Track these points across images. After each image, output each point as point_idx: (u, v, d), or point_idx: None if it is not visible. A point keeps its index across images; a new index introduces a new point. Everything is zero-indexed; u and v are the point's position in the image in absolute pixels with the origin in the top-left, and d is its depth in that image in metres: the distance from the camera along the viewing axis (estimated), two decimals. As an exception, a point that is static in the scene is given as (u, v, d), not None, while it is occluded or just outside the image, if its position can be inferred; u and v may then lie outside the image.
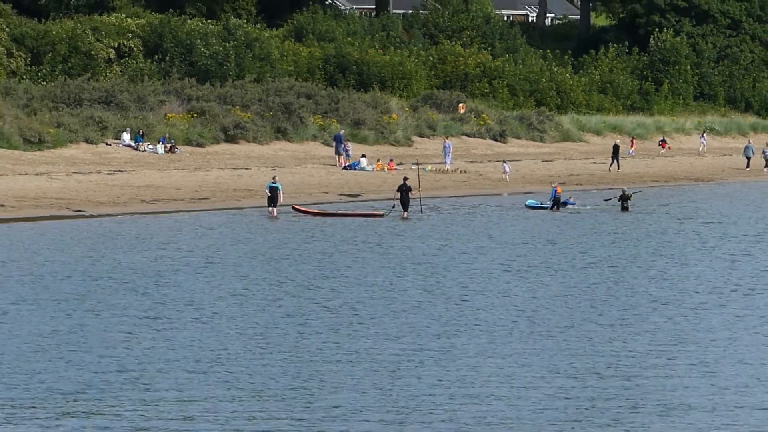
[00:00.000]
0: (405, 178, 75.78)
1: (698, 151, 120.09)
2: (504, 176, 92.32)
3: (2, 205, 69.13)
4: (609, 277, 52.28)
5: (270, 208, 72.87)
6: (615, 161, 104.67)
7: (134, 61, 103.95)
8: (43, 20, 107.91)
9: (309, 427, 18.83)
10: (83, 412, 21.17)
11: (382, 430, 20.41)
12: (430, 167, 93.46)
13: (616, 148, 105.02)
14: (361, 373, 27.49)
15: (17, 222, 67.09)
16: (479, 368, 29.67)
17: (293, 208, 74.12)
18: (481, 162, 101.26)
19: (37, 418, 20.08)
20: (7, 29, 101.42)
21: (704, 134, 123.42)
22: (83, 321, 37.13)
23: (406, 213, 73.07)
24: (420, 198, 74.21)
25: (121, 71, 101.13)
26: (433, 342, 35.08)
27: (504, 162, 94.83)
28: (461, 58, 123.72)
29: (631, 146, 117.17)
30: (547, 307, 41.19)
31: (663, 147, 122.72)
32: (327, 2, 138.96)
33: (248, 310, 42.04)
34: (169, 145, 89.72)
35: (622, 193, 79.54)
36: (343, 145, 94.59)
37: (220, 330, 37.47)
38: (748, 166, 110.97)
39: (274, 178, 76.19)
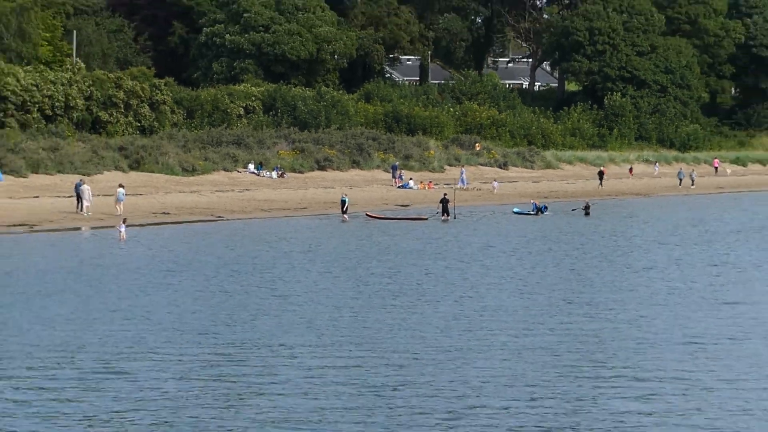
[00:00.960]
0: (445, 194, 76.51)
1: (653, 174, 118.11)
2: (493, 190, 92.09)
3: (167, 213, 70.36)
4: (584, 251, 55.75)
5: (343, 215, 73.56)
6: (600, 181, 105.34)
7: (256, 116, 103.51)
8: (195, 88, 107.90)
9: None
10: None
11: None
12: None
13: (601, 173, 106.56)
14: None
15: (179, 224, 68.10)
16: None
17: (366, 215, 75.20)
18: (490, 183, 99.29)
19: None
20: (170, 95, 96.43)
21: (657, 163, 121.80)
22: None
23: (445, 216, 74.14)
24: (454, 206, 75.32)
25: (247, 123, 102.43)
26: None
27: (494, 181, 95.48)
28: (477, 113, 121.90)
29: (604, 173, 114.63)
30: (543, 270, 45.51)
31: (630, 174, 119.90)
32: (386, 75, 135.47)
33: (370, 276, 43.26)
34: (280, 172, 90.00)
35: (586, 204, 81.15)
36: (397, 172, 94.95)
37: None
38: (680, 184, 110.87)
39: (344, 194, 76.57)
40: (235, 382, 19.68)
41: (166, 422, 16.24)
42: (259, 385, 19.36)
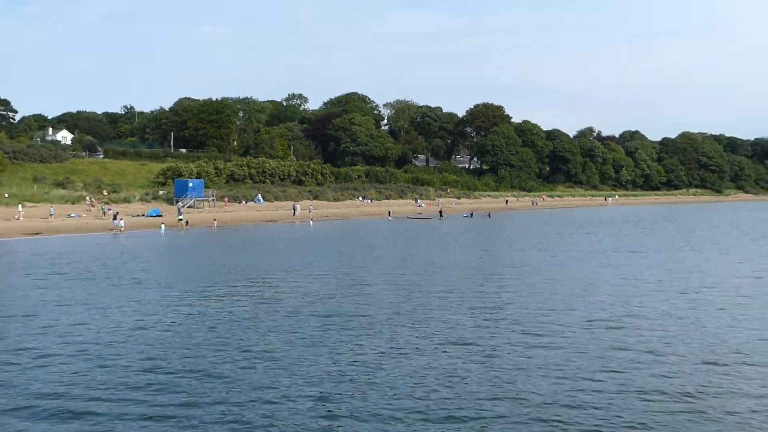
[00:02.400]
0: (441, 209, 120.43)
1: (520, 201, 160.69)
2: (453, 206, 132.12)
3: (327, 216, 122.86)
4: (484, 230, 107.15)
5: (389, 217, 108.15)
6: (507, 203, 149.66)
7: (362, 180, 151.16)
8: (339, 167, 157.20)
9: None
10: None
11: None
12: (423, 204, 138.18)
13: (507, 200, 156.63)
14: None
15: (335, 219, 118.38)
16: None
17: (407, 217, 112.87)
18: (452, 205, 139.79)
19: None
20: (328, 171, 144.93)
21: (519, 198, 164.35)
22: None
23: (441, 218, 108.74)
24: (442, 214, 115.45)
25: (359, 182, 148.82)
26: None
27: (453, 204, 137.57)
28: (448, 177, 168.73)
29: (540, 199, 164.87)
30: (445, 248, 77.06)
31: (543, 199, 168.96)
32: (412, 162, 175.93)
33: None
34: (368, 201, 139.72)
35: (489, 213, 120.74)
36: (418, 200, 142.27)
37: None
38: (533, 205, 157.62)
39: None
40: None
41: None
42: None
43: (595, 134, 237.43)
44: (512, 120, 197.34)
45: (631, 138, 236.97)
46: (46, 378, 20.47)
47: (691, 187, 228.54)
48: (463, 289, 37.89)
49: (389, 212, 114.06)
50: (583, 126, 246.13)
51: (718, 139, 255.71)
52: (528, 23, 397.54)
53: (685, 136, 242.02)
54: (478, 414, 17.66)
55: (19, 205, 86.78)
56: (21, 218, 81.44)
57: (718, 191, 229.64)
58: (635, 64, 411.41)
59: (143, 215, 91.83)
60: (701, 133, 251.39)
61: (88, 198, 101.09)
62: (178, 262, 51.59)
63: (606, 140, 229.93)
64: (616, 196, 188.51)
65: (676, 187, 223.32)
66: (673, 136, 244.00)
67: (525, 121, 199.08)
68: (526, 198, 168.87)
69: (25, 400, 18.39)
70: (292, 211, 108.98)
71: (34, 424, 16.78)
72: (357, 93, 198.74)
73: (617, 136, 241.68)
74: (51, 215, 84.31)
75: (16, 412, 17.58)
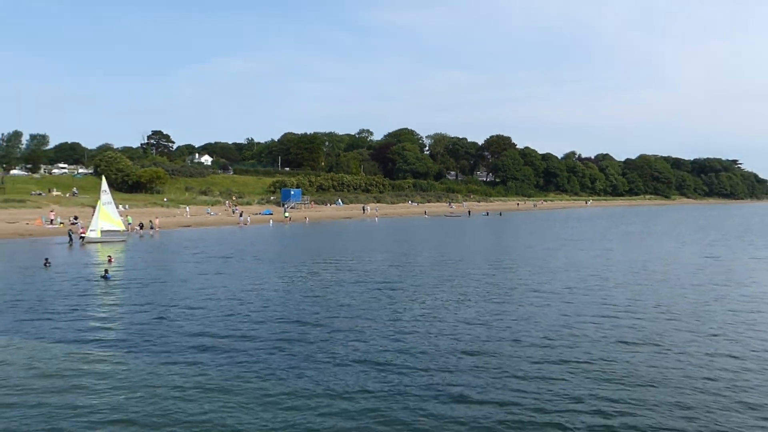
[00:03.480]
0: (469, 210, 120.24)
1: (524, 204, 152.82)
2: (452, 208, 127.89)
3: (386, 214, 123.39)
4: (494, 224, 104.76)
5: (426, 215, 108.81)
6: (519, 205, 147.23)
7: (410, 189, 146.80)
8: (394, 180, 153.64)
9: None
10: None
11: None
12: (454, 206, 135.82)
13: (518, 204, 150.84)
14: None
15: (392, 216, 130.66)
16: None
17: (445, 215, 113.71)
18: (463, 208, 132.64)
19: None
20: (388, 183, 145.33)
21: (521, 202, 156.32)
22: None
23: (469, 216, 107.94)
24: (470, 213, 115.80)
25: (408, 190, 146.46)
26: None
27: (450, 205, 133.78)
28: (474, 187, 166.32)
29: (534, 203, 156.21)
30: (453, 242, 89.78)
31: (541, 202, 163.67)
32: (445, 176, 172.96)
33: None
34: (415, 203, 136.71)
35: (500, 213, 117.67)
36: (451, 204, 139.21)
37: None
38: (534, 206, 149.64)
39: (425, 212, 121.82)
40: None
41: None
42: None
43: (576, 156, 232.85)
44: (517, 146, 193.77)
45: (603, 159, 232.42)
46: (193, 322, 21.05)
47: (647, 194, 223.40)
48: (480, 261, 37.61)
49: (425, 212, 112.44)
50: (568, 150, 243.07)
51: (667, 159, 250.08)
52: (528, 79, 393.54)
53: (643, 158, 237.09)
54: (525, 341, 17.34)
55: (186, 207, 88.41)
56: (188, 216, 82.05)
57: (667, 197, 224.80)
58: (606, 106, 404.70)
59: (260, 213, 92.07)
60: (654, 155, 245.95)
61: (227, 202, 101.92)
62: (283, 245, 52.11)
63: (585, 160, 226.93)
64: (591, 201, 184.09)
65: (636, 194, 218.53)
66: (633, 157, 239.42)
67: (526, 147, 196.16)
68: (528, 202, 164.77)
69: (181, 337, 18.98)
70: (363, 210, 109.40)
71: (186, 351, 17.25)
72: (407, 128, 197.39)
73: (593, 157, 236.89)
74: (207, 213, 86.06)
75: (176, 344, 18.11)
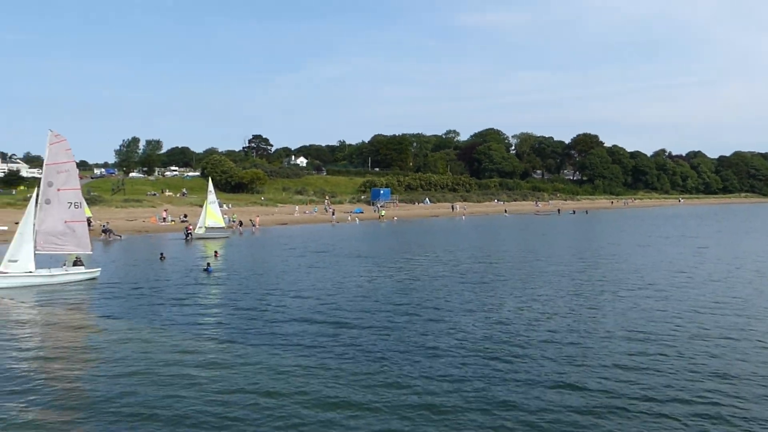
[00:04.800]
0: (559, 208, 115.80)
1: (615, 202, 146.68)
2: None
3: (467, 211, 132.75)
4: (576, 221, 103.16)
5: (506, 214, 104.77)
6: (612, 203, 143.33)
7: (495, 188, 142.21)
8: (479, 179, 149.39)
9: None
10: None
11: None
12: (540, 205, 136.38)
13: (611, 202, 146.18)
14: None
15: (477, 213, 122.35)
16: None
17: (535, 213, 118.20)
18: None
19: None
20: (474, 181, 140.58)
21: (613, 201, 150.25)
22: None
23: (559, 214, 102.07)
24: (560, 211, 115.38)
25: (495, 188, 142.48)
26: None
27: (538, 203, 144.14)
28: (563, 185, 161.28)
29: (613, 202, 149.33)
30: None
31: (632, 200, 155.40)
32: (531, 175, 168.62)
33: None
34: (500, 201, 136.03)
35: (581, 211, 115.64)
36: (537, 201, 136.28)
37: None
38: (624, 205, 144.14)
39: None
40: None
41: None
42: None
43: (667, 153, 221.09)
44: (604, 144, 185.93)
45: (695, 156, 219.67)
46: (292, 309, 21.41)
47: (742, 191, 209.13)
48: (568, 256, 36.44)
49: (505, 210, 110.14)
50: (657, 147, 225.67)
51: (764, 155, 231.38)
52: (615, 76, 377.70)
53: (738, 154, 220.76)
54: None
55: (296, 206, 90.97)
56: (297, 213, 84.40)
57: (765, 195, 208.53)
58: (697, 102, 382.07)
59: (351, 212, 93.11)
60: (750, 152, 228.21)
61: (326, 200, 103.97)
62: (378, 242, 52.75)
63: (675, 158, 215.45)
64: (683, 199, 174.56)
65: (730, 192, 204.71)
66: (727, 154, 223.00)
67: (614, 145, 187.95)
68: (619, 200, 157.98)
69: (278, 325, 19.26)
70: (452, 209, 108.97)
71: (282, 337, 17.50)
72: (493, 128, 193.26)
73: (684, 154, 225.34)
74: (314, 212, 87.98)
75: (273, 332, 18.45)
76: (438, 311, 21.15)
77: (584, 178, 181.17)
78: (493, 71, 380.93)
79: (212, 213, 54.74)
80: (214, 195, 56.14)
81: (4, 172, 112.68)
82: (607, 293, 24.95)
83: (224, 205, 76.60)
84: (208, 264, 32.61)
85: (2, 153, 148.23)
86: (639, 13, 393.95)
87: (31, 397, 12.66)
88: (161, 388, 13.17)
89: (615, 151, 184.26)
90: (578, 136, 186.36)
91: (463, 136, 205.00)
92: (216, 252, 40.21)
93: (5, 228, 50.57)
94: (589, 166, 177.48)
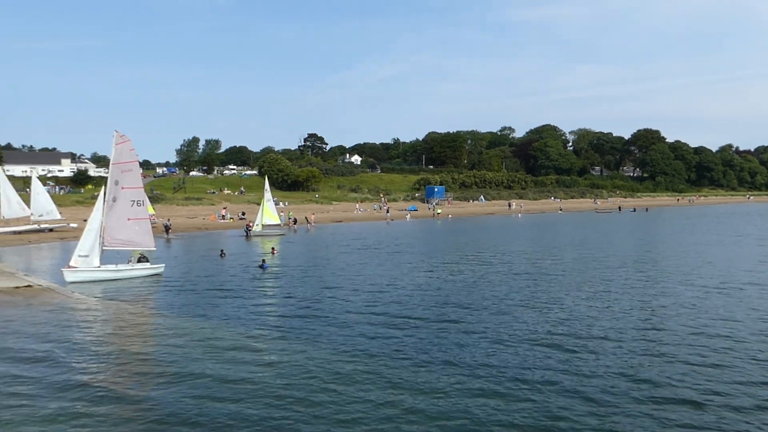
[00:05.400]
0: (620, 205, 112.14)
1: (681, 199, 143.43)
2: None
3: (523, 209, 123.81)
4: (640, 219, 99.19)
5: (560, 211, 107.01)
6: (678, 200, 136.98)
7: (551, 184, 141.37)
8: (537, 176, 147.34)
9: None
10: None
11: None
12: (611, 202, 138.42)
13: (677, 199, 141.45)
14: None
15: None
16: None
17: (596, 211, 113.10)
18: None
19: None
20: (529, 178, 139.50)
21: (680, 198, 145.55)
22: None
23: (620, 212, 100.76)
24: (621, 209, 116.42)
25: (553, 185, 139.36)
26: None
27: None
28: (620, 182, 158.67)
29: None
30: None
31: (697, 198, 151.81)
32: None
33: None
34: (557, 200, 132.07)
35: (634, 209, 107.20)
36: (596, 198, 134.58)
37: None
38: (689, 203, 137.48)
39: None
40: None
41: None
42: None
43: (734, 149, 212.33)
44: (666, 140, 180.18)
45: (765, 151, 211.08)
46: (350, 303, 21.32)
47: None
48: (627, 258, 35.38)
49: (560, 208, 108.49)
50: (723, 143, 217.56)
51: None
52: (678, 69, 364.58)
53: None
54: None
55: (357, 204, 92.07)
56: (357, 211, 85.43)
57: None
58: (767, 95, 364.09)
59: (405, 210, 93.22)
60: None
61: (383, 198, 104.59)
62: (435, 239, 52.64)
63: (743, 153, 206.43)
64: (752, 196, 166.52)
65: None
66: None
67: (676, 141, 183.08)
68: (684, 197, 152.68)
69: (332, 319, 19.28)
70: (508, 206, 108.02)
71: (337, 330, 17.44)
72: (549, 124, 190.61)
73: (752, 149, 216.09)
74: (374, 209, 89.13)
75: (327, 326, 18.46)
76: (498, 307, 20.98)
77: (645, 175, 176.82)
78: (549, 66, 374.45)
79: (268, 211, 55.69)
80: (270, 193, 57.02)
81: (73, 171, 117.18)
82: (679, 293, 24.07)
83: (280, 203, 77.77)
84: (263, 261, 33.11)
85: (72, 153, 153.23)
86: (702, 1, 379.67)
87: (96, 385, 13.12)
88: (218, 380, 13.38)
89: (677, 147, 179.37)
90: (638, 131, 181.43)
91: (519, 133, 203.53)
92: (273, 249, 41.01)
93: (75, 225, 52.69)
94: (650, 163, 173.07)
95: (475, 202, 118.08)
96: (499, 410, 11.54)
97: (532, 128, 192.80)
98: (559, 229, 63.08)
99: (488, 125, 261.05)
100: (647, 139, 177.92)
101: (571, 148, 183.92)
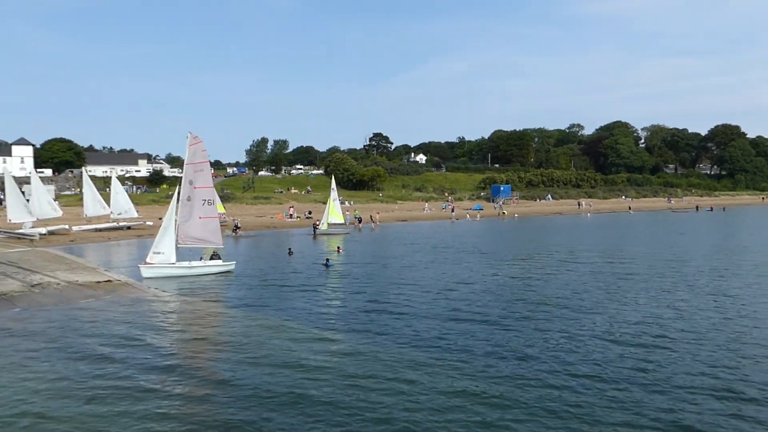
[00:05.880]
0: (697, 205, 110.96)
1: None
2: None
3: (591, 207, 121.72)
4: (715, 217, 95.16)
5: (630, 211, 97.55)
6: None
7: (623, 181, 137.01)
8: (606, 174, 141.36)
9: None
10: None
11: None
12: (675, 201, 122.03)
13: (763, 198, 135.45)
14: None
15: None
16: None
17: (671, 210, 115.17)
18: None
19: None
20: (598, 176, 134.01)
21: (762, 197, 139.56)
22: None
23: (697, 211, 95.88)
24: (698, 208, 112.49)
25: (623, 182, 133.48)
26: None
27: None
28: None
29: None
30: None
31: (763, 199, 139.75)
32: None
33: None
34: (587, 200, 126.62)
35: (711, 208, 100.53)
36: (669, 197, 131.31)
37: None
38: (763, 201, 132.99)
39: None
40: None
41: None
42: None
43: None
44: (747, 136, 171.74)
45: None
46: (414, 301, 21.06)
47: None
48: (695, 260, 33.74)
49: (629, 207, 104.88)
50: None
51: None
52: (759, 59, 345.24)
53: None
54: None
55: (426, 203, 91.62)
56: (427, 211, 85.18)
57: None
58: None
59: (471, 209, 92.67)
60: None
61: (450, 198, 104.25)
62: (502, 239, 51.93)
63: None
64: None
65: None
66: None
67: (759, 137, 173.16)
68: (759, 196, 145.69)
69: (396, 317, 19.07)
70: (578, 205, 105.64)
71: (399, 329, 17.17)
72: (620, 121, 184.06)
73: None
74: (443, 208, 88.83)
75: (391, 324, 18.15)
76: (568, 310, 20.37)
77: (723, 173, 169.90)
78: (619, 60, 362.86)
79: (334, 210, 56.38)
80: (336, 192, 57.63)
81: (149, 171, 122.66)
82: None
83: (345, 202, 78.47)
84: (327, 259, 33.41)
85: (148, 154, 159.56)
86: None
87: (173, 377, 13.51)
88: (287, 374, 13.52)
89: (760, 143, 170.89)
90: (716, 127, 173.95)
91: (588, 130, 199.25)
92: (339, 247, 41.44)
93: (151, 223, 54.82)
94: (728, 160, 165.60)
95: (542, 201, 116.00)
96: (572, 405, 11.47)
97: (602, 125, 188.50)
98: (634, 229, 61.27)
99: (556, 123, 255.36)
100: (726, 135, 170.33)
101: (644, 145, 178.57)
